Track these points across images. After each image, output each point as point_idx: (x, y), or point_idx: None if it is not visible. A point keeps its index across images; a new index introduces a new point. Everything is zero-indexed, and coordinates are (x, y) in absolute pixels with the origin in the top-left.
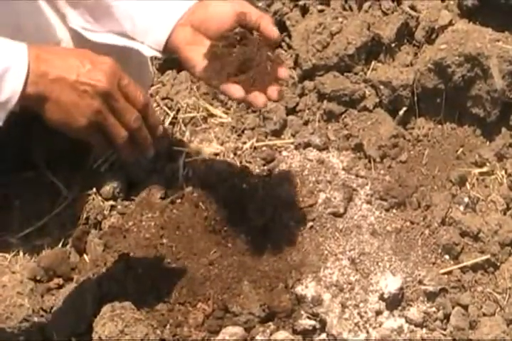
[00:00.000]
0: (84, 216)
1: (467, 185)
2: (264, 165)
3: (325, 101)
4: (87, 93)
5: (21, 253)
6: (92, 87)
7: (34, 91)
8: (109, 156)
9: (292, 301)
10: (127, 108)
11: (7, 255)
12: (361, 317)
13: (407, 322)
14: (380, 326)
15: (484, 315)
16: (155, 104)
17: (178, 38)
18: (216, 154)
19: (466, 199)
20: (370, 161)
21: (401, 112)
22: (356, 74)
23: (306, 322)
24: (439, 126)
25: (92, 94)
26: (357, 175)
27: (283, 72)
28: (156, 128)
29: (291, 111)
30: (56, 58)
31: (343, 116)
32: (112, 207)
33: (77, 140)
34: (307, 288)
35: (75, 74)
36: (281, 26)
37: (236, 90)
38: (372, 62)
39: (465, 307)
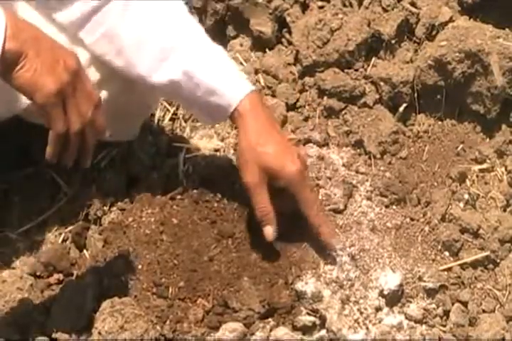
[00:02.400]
0: (84, 212)
1: (467, 181)
2: None
3: (325, 98)
4: (58, 64)
5: (21, 249)
6: (64, 62)
7: (14, 45)
8: (109, 152)
9: (292, 297)
10: (87, 97)
11: (7, 250)
12: (361, 313)
13: (406, 318)
14: (379, 322)
15: (484, 311)
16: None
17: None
18: (216, 150)
19: (466, 196)
20: (370, 157)
21: (401, 109)
22: (356, 70)
23: (305, 319)
24: (439, 123)
25: (63, 67)
26: (357, 172)
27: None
28: (102, 129)
29: (292, 107)
30: (31, 25)
31: (343, 112)
32: (112, 203)
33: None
34: (307, 284)
35: (49, 42)
36: (282, 22)
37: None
38: (373, 59)
39: (465, 304)
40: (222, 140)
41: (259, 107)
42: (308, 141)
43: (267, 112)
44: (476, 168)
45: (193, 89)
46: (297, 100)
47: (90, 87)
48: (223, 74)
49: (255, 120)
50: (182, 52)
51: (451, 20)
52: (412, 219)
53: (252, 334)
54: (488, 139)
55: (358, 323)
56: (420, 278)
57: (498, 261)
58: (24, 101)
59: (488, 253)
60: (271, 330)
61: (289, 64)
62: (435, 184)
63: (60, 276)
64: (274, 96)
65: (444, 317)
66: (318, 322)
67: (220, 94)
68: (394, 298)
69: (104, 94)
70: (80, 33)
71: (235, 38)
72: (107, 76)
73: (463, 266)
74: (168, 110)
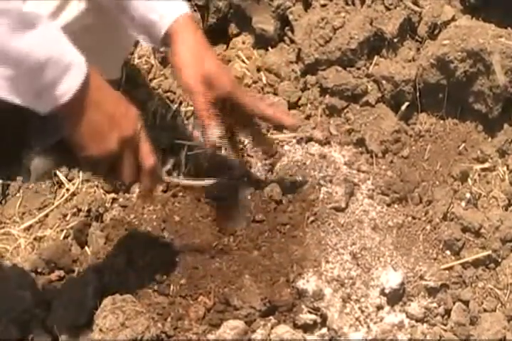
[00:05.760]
0: (86, 208)
1: (469, 180)
2: (265, 159)
3: (327, 96)
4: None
5: (23, 245)
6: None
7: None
8: None
9: (293, 295)
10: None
11: (8, 247)
12: (362, 311)
13: (408, 317)
14: (380, 321)
15: (485, 310)
16: (157, 97)
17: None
18: (218, 147)
19: (468, 195)
20: (371, 156)
21: (403, 107)
22: (359, 69)
23: (306, 317)
24: (441, 122)
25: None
26: (359, 170)
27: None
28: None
29: (294, 105)
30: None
31: (345, 110)
32: (114, 200)
33: None
34: (308, 283)
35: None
36: (284, 20)
37: None
38: (375, 57)
39: (466, 303)
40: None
41: (188, 31)
42: (310, 139)
43: (197, 35)
44: (478, 167)
45: (131, 13)
46: (299, 98)
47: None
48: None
49: (187, 39)
50: None
51: (453, 19)
52: (413, 218)
53: (253, 331)
54: (490, 138)
55: (359, 321)
56: (421, 277)
57: (500, 260)
58: None
59: (489, 252)
60: (272, 328)
61: (291, 62)
62: (437, 183)
63: (62, 273)
64: (276, 94)
65: (445, 316)
66: (319, 320)
67: (153, 21)
68: (395, 297)
69: (65, 16)
70: None
71: (237, 35)
72: None
73: (464, 265)
74: (169, 107)
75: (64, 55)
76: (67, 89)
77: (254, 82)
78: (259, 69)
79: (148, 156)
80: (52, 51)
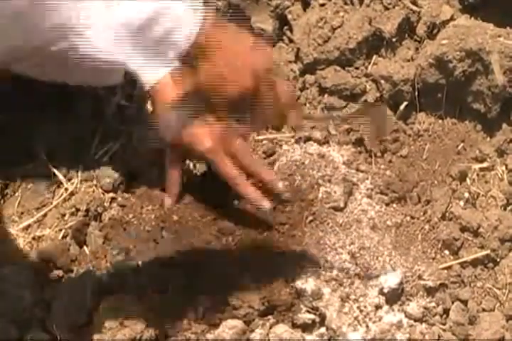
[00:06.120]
0: (85, 208)
1: (467, 180)
2: (264, 158)
3: (326, 95)
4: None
5: (21, 245)
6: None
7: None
8: (110, 147)
9: (292, 295)
10: None
11: (7, 246)
12: (361, 311)
13: (406, 316)
14: (379, 320)
15: (484, 310)
16: None
17: None
18: None
19: (467, 195)
20: (370, 156)
21: (402, 107)
22: (357, 68)
23: (305, 316)
24: (440, 121)
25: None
26: (357, 170)
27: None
28: None
29: None
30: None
31: (343, 110)
32: (113, 199)
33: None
34: (307, 282)
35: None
36: (283, 20)
37: None
38: (374, 57)
39: (465, 303)
40: None
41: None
42: (308, 138)
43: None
44: (477, 166)
45: None
46: (298, 98)
47: None
48: None
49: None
50: None
51: (452, 18)
52: (412, 218)
53: (252, 331)
54: (488, 138)
55: (358, 321)
56: (420, 277)
57: (498, 259)
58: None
59: (488, 251)
60: (270, 328)
61: (289, 61)
62: (435, 182)
63: (60, 273)
64: None
65: (444, 316)
66: (317, 319)
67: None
68: (394, 296)
69: None
70: None
71: None
72: None
73: (463, 265)
74: None
75: (169, 8)
76: (183, 40)
77: None
78: None
79: (287, 89)
80: (155, 7)
